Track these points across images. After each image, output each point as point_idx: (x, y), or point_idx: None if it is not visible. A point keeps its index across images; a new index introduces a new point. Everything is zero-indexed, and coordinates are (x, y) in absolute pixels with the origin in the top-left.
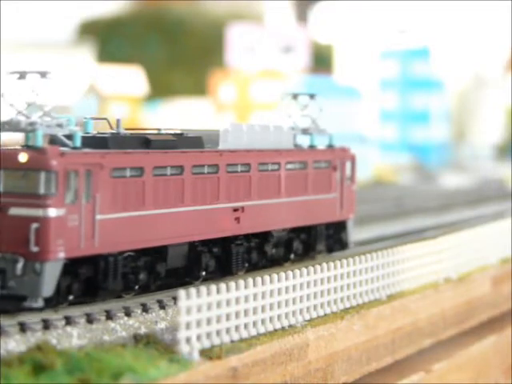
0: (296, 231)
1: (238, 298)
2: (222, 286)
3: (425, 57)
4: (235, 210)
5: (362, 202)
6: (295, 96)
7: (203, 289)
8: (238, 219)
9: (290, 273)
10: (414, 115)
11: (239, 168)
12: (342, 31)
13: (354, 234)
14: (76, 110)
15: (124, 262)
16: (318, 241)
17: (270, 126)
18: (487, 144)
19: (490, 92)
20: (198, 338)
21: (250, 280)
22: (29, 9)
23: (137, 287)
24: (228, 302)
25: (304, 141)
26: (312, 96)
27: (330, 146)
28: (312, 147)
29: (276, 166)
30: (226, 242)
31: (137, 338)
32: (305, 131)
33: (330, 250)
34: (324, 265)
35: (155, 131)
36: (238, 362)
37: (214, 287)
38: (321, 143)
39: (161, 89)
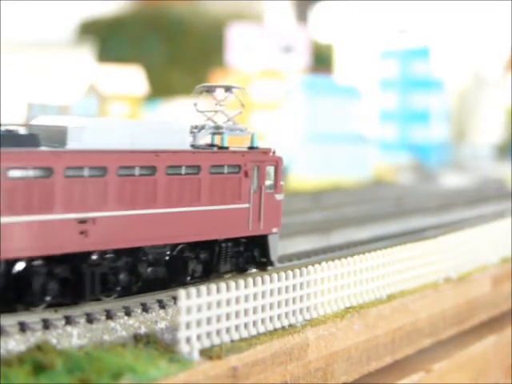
0: (193, 249)
1: (237, 297)
2: (222, 285)
3: (425, 57)
4: (81, 221)
5: (362, 202)
6: (210, 89)
7: (203, 288)
8: (85, 233)
9: (289, 272)
10: (414, 115)
11: (87, 172)
12: (341, 31)
13: (355, 234)
14: (76, 110)
15: None
16: (222, 260)
17: (154, 123)
18: (487, 144)
19: (490, 92)
20: (198, 337)
21: (250, 280)
22: (29, 9)
23: None
24: (228, 302)
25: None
26: (228, 89)
27: (252, 148)
28: (222, 149)
29: (150, 171)
30: (75, 261)
31: (137, 338)
32: (217, 130)
33: (243, 269)
34: (324, 264)
35: None
36: (238, 361)
37: (213, 287)
38: (241, 144)
39: (161, 89)
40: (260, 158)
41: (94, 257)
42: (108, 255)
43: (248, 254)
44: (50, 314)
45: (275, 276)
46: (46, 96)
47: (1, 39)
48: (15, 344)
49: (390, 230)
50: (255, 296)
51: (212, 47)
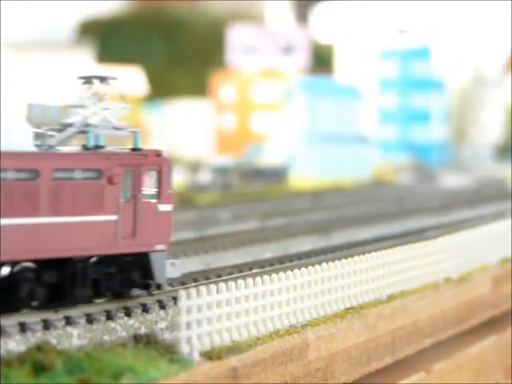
0: (35, 269)
1: (237, 297)
2: (222, 285)
3: (425, 57)
4: None
5: (362, 202)
6: (87, 80)
7: (203, 289)
8: None
9: (289, 273)
10: (414, 115)
11: None
12: (342, 31)
13: (355, 234)
14: (76, 110)
15: None
16: (79, 283)
17: None
18: (487, 144)
19: (490, 91)
20: (198, 338)
21: (250, 280)
22: (29, 9)
23: None
24: (228, 302)
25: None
26: (103, 79)
27: (135, 149)
28: (88, 150)
29: None
30: None
31: (137, 338)
32: (86, 127)
33: (118, 293)
34: (324, 265)
35: None
36: (238, 362)
37: (213, 287)
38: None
39: (161, 89)
40: (135, 162)
41: None
42: None
43: (124, 276)
44: (50, 315)
45: (275, 276)
46: (46, 96)
47: (1, 39)
48: (15, 344)
49: (390, 231)
50: (255, 296)
51: (212, 47)
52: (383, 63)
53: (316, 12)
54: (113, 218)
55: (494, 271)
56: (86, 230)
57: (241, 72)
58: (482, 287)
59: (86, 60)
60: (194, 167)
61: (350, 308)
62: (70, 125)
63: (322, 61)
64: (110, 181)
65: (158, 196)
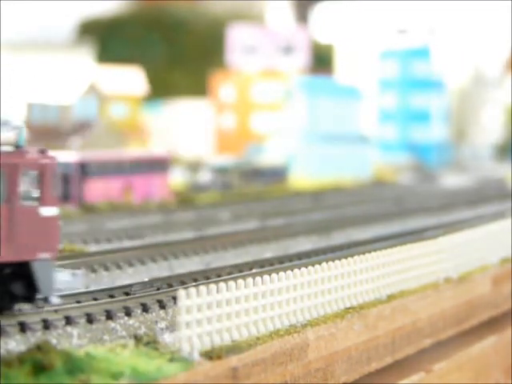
0: None
1: (237, 297)
2: (222, 285)
3: (425, 57)
4: None
5: (362, 202)
6: None
7: (203, 288)
8: None
9: (289, 272)
10: (414, 115)
11: None
12: (342, 31)
13: (355, 234)
14: (76, 110)
15: None
16: None
17: None
18: (487, 144)
19: (490, 91)
20: (198, 337)
21: (250, 280)
22: (29, 9)
23: None
24: (228, 302)
25: None
26: None
27: (18, 147)
28: None
29: None
30: None
31: (137, 338)
32: None
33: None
34: (324, 265)
35: None
36: (238, 361)
37: (213, 287)
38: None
39: (161, 89)
40: (10, 161)
41: None
42: None
43: (1, 289)
44: (49, 314)
45: (275, 276)
46: (46, 96)
47: (1, 39)
48: (15, 344)
49: (390, 230)
50: (255, 296)
51: (212, 47)
52: (383, 63)
53: (316, 12)
54: None
55: (494, 271)
56: None
57: (241, 72)
58: (482, 287)
59: (85, 60)
60: (194, 167)
61: (349, 308)
62: None
63: (322, 61)
64: None
65: (40, 199)
